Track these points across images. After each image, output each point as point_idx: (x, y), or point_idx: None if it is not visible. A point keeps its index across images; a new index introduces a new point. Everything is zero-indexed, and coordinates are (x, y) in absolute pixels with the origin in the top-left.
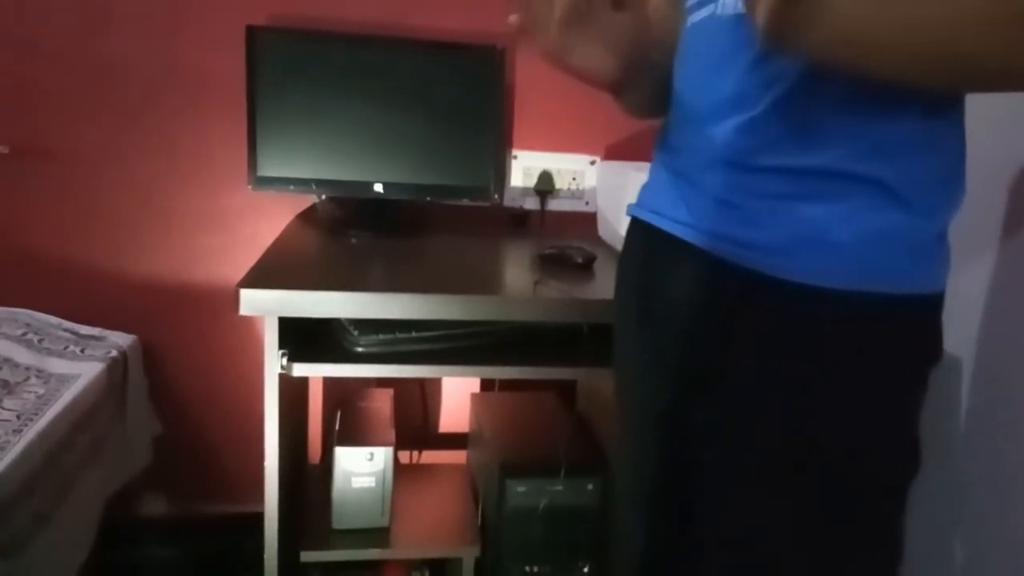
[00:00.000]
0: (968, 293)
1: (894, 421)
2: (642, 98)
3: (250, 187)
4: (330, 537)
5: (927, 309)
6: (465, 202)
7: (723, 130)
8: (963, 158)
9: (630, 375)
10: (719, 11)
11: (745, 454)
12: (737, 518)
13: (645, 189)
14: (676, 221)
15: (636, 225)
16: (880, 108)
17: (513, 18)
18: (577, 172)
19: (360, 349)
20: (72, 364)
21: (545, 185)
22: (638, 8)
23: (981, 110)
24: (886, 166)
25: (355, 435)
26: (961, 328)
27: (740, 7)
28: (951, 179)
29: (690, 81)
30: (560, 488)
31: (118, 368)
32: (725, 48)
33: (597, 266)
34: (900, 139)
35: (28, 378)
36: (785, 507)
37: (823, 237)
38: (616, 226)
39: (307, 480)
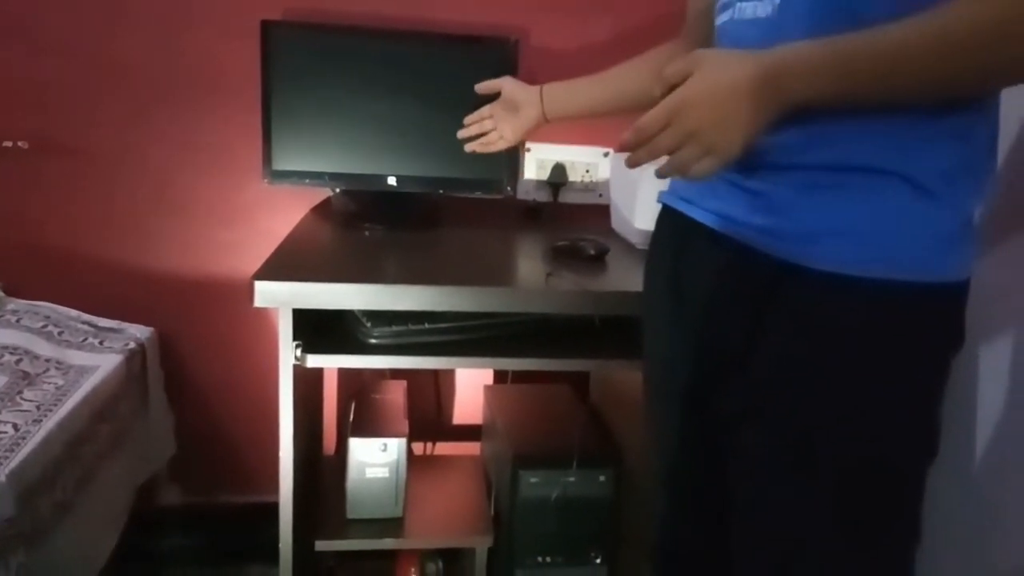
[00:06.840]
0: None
1: (917, 407)
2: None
3: (266, 181)
4: (344, 527)
5: (952, 297)
6: (478, 195)
7: None
8: (993, 147)
9: (659, 360)
10: (736, 15)
11: (770, 438)
12: (762, 500)
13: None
14: (706, 210)
15: (667, 212)
16: (904, 107)
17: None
18: (590, 164)
19: (373, 341)
20: (91, 356)
21: (558, 177)
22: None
23: None
24: (911, 159)
25: (369, 426)
26: (981, 318)
27: (756, 12)
28: (978, 169)
29: None
30: (573, 479)
31: (136, 360)
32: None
33: (610, 258)
34: (925, 133)
35: (48, 370)
36: (808, 490)
37: (849, 226)
38: (629, 218)
39: (322, 470)
